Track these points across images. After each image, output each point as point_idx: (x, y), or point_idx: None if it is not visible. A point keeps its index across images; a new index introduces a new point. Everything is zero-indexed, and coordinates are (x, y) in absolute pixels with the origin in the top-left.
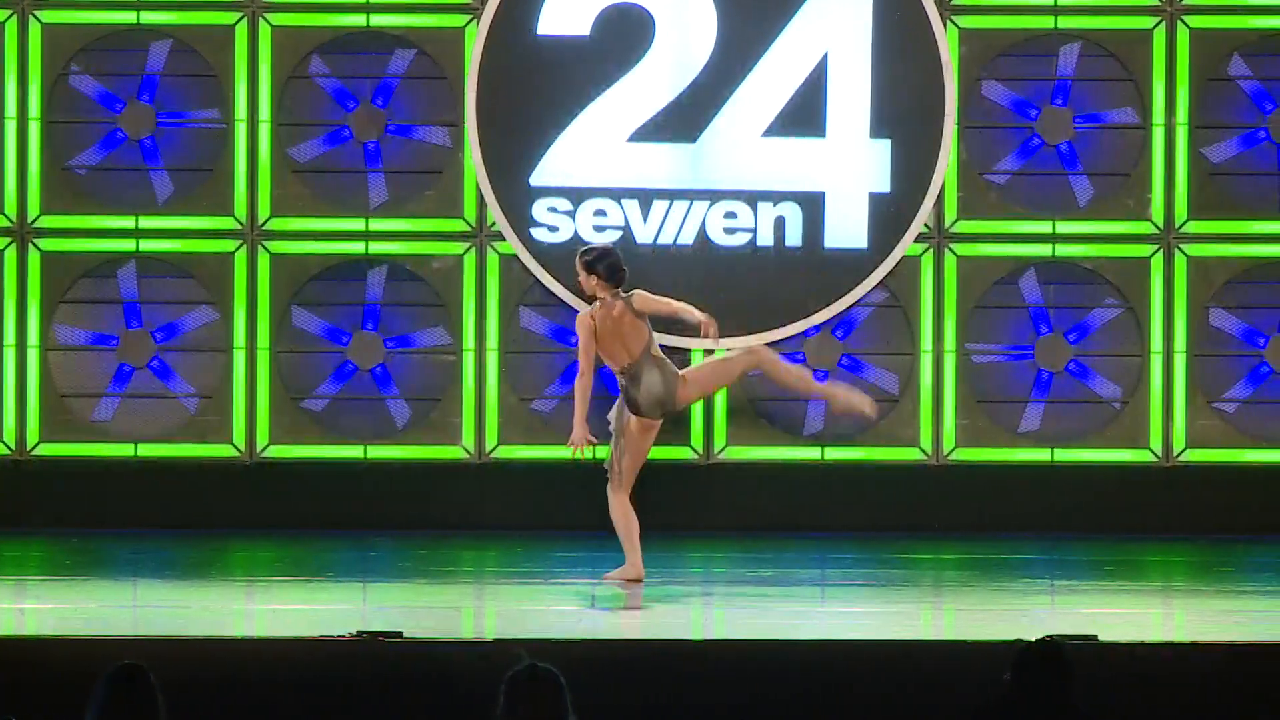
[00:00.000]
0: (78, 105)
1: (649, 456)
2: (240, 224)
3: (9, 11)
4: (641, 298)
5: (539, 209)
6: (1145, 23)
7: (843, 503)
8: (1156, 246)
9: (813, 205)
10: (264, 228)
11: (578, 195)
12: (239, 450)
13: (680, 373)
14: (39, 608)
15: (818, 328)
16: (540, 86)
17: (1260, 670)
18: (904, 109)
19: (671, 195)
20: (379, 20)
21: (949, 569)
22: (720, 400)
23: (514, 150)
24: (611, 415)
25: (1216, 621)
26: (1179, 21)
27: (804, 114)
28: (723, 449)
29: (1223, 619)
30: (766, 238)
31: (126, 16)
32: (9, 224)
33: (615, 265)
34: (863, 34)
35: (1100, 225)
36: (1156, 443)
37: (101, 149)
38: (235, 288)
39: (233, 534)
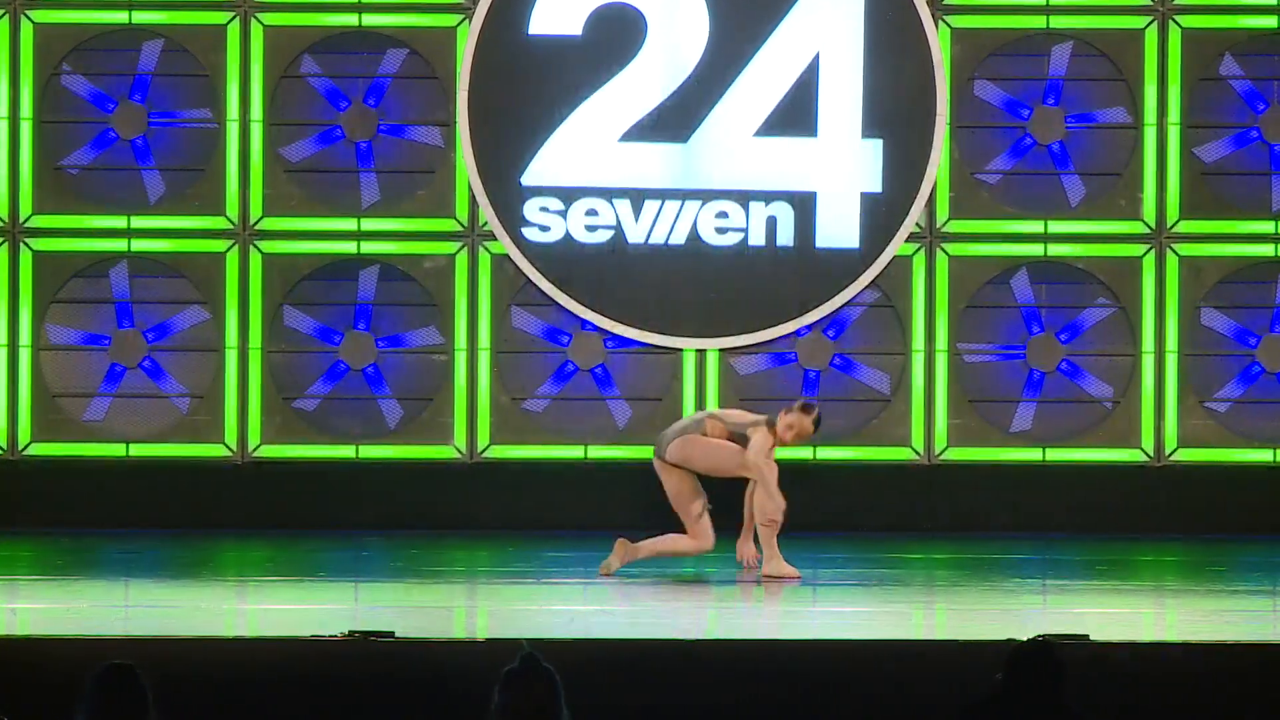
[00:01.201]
0: (70, 105)
1: None
2: (232, 224)
3: (1, 11)
4: (760, 441)
5: (530, 208)
6: (1137, 22)
7: (834, 502)
8: (1148, 246)
9: (804, 205)
10: (256, 227)
11: (569, 195)
12: (231, 450)
13: (693, 438)
14: (31, 607)
15: (809, 327)
16: (532, 86)
17: (1251, 670)
18: (895, 109)
19: (663, 195)
20: (370, 20)
21: (940, 569)
22: (713, 398)
23: (506, 150)
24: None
25: (1208, 621)
26: (1170, 21)
27: (795, 114)
28: None
29: (1214, 619)
30: (758, 237)
31: (118, 16)
32: (1, 224)
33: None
34: (854, 34)
35: (1092, 225)
36: (1148, 442)
37: (93, 149)
38: (227, 287)
39: (224, 534)
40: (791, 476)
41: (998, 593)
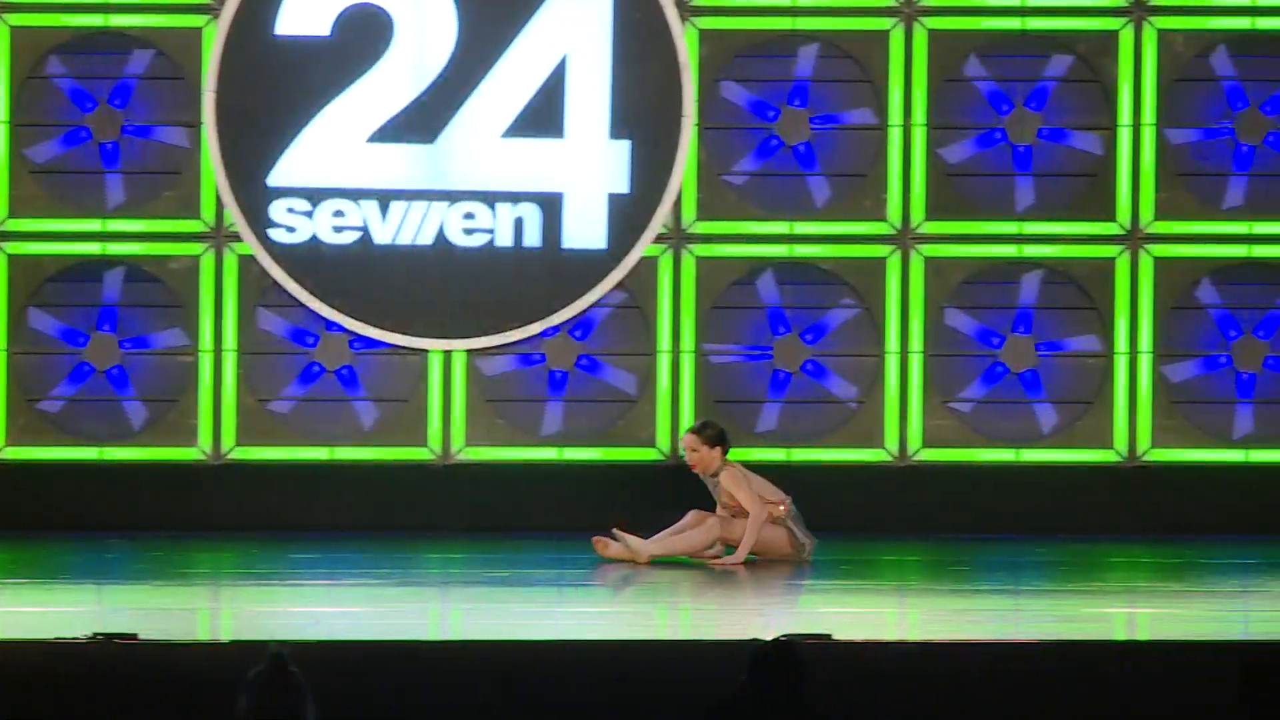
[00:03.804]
0: None
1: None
2: None
3: None
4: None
5: (277, 209)
6: (883, 24)
7: (581, 503)
8: (893, 247)
9: (551, 206)
10: (0, 229)
11: (316, 196)
12: None
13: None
14: None
15: (556, 328)
16: (279, 87)
17: (992, 668)
18: (643, 110)
19: (410, 196)
20: (117, 20)
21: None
22: (459, 399)
23: (252, 151)
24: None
25: (950, 620)
26: (915, 23)
27: (543, 115)
28: (460, 449)
29: (956, 618)
30: (505, 238)
31: None
32: None
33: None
34: (602, 35)
35: (837, 226)
36: (892, 442)
37: None
38: None
39: None
40: (534, 476)
41: (741, 593)
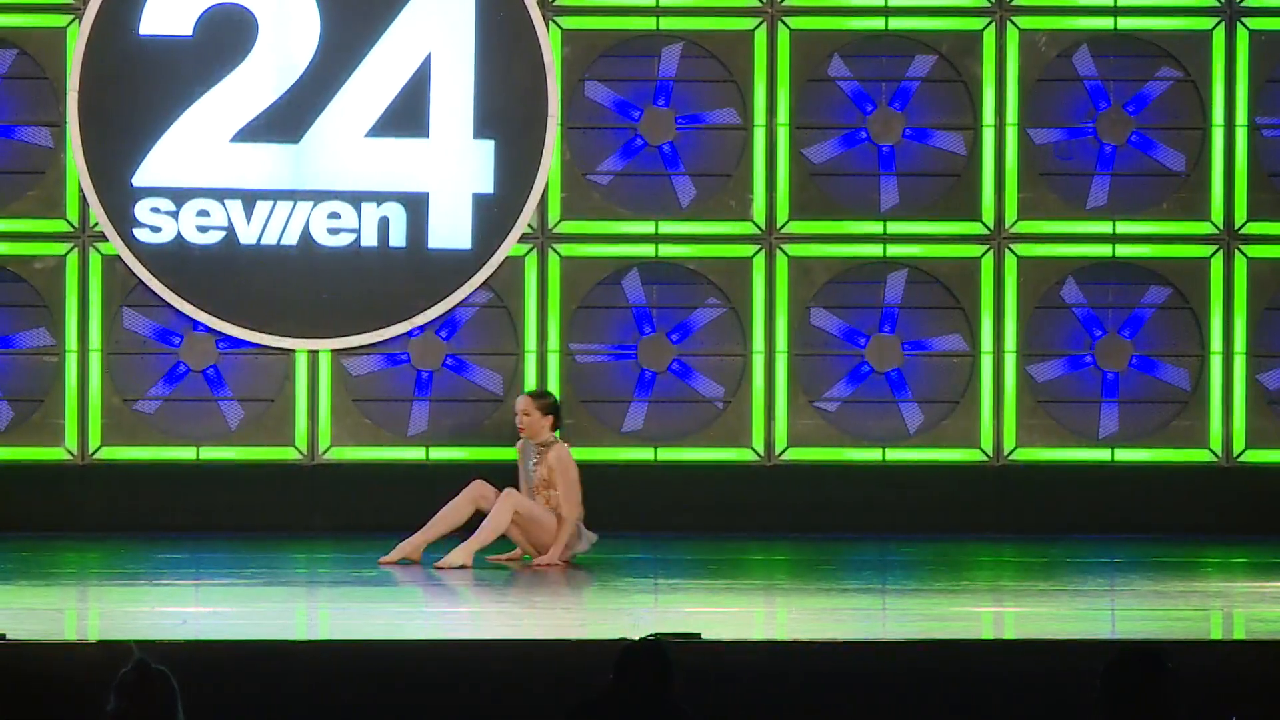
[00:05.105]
0: None
1: None
2: None
3: None
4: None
5: (141, 209)
6: (746, 24)
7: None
8: (759, 247)
9: (416, 206)
10: None
11: (180, 195)
12: None
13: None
14: None
15: (422, 328)
16: (143, 87)
17: (859, 667)
18: (507, 109)
19: (275, 196)
20: None
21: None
22: (325, 399)
23: (116, 151)
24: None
25: (817, 620)
26: (779, 23)
27: (407, 114)
28: (327, 449)
29: (823, 617)
30: (370, 238)
31: None
32: None
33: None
34: (466, 34)
35: (702, 226)
36: (759, 442)
37: None
38: None
39: None
40: (397, 475)
41: (610, 592)
